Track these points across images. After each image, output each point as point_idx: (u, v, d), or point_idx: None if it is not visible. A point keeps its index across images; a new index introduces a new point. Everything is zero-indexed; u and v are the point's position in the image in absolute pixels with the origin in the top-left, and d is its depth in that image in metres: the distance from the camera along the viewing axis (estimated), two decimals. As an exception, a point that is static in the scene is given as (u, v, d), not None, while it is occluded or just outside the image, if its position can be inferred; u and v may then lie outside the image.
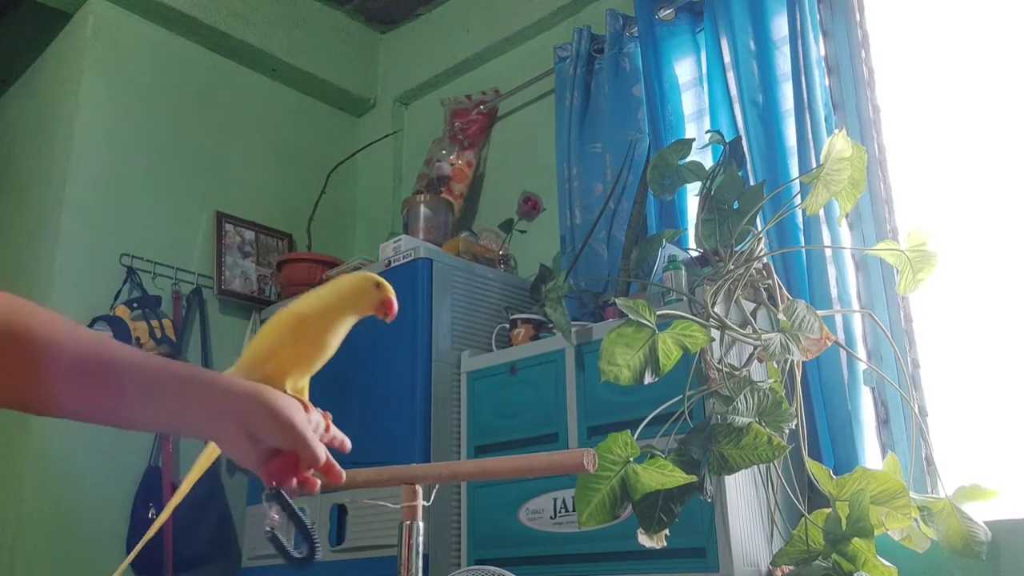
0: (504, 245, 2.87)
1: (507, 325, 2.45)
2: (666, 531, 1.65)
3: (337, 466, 0.81)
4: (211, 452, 0.96)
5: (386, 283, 0.96)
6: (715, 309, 1.84)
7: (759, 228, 2.02)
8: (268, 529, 0.82)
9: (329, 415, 0.87)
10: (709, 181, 2.03)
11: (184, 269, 3.04)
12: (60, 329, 0.68)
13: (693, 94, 2.65)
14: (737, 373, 1.80)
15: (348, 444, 0.86)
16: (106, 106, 2.99)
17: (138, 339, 2.73)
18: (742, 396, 1.67)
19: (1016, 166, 2.10)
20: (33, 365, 0.66)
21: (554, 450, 2.05)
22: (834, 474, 1.77)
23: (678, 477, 1.60)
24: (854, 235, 2.26)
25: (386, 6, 3.65)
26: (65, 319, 0.69)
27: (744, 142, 2.26)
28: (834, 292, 2.12)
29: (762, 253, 1.99)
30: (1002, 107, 2.15)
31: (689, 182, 2.13)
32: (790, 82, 2.28)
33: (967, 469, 1.95)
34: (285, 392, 0.84)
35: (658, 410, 1.80)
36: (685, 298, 1.95)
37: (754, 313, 1.92)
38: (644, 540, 1.66)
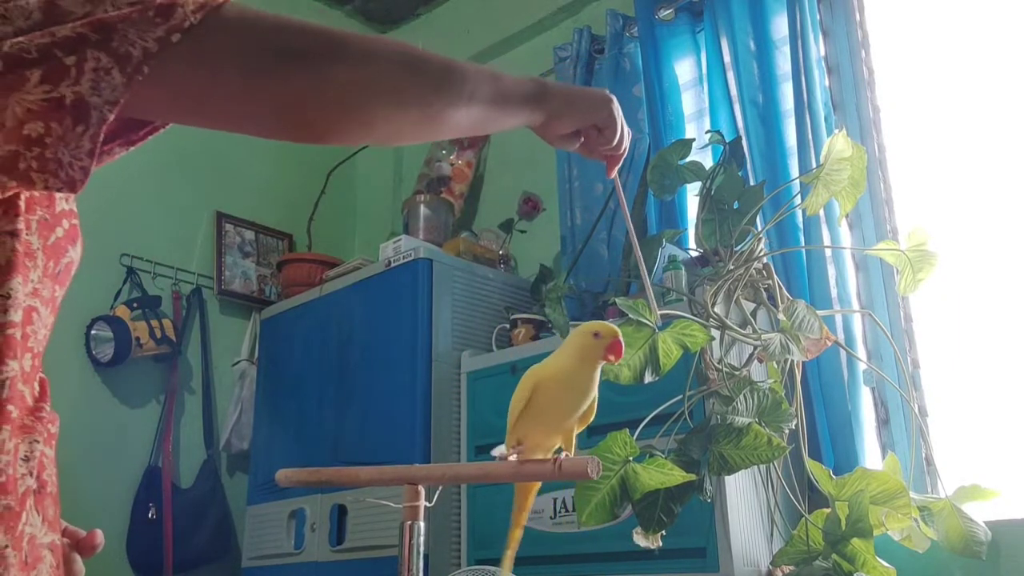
0: (504, 245, 2.87)
1: (507, 325, 2.45)
2: (662, 531, 1.65)
3: None
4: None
5: (607, 328, 1.04)
6: (715, 309, 1.84)
7: (759, 228, 2.02)
8: None
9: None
10: (709, 181, 2.03)
11: (184, 269, 3.04)
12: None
13: (693, 94, 2.65)
14: (737, 373, 1.80)
15: None
16: (106, 106, 2.99)
17: (138, 339, 2.73)
18: (742, 396, 1.67)
19: (1016, 166, 2.10)
20: None
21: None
22: (834, 474, 1.77)
23: (677, 476, 1.60)
24: (854, 235, 2.26)
25: (386, 6, 3.65)
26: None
27: (744, 142, 2.26)
28: (834, 292, 2.12)
29: (762, 253, 1.99)
30: (1002, 107, 2.15)
31: (689, 182, 2.13)
32: (790, 82, 2.28)
33: (967, 469, 1.95)
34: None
35: (658, 410, 1.80)
36: (685, 298, 1.95)
37: (754, 313, 1.92)
38: (639, 540, 1.66)
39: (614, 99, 0.94)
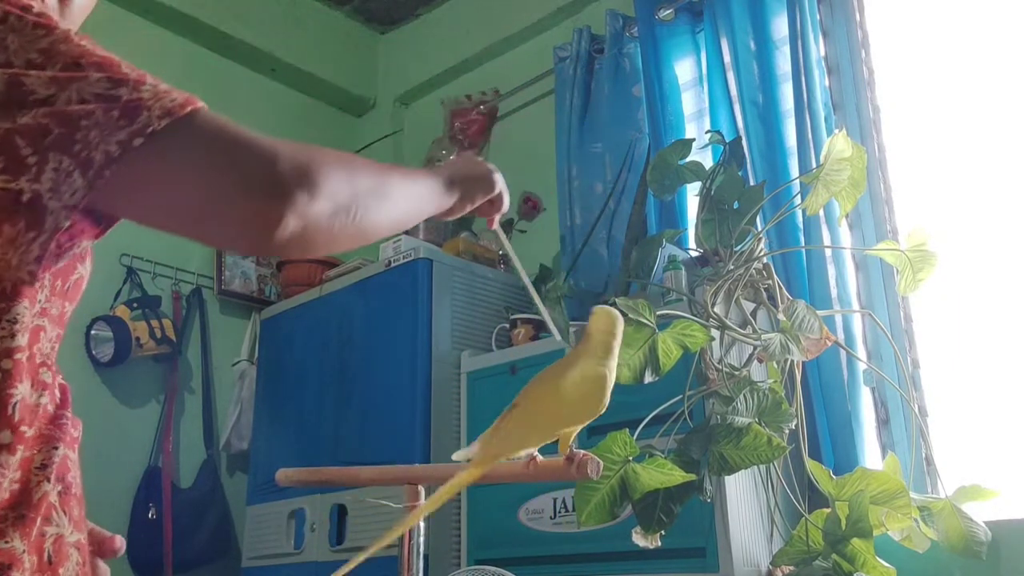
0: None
1: (507, 325, 2.45)
2: (661, 531, 1.65)
3: None
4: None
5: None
6: (715, 309, 1.84)
7: (759, 228, 2.02)
8: None
9: None
10: (709, 181, 2.03)
11: (184, 269, 3.04)
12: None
13: (693, 94, 2.65)
14: (737, 373, 1.80)
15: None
16: (106, 106, 2.99)
17: (138, 339, 2.73)
18: (742, 396, 1.67)
19: (1016, 166, 2.10)
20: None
21: (553, 451, 2.05)
22: (834, 474, 1.77)
23: (677, 476, 1.60)
24: (854, 235, 2.26)
25: (386, 6, 3.65)
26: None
27: (744, 142, 2.26)
28: (834, 292, 2.12)
29: (762, 253, 1.99)
30: (1002, 107, 2.15)
31: (689, 182, 2.13)
32: (790, 82, 2.28)
33: (967, 469, 1.95)
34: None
35: (658, 410, 1.80)
36: (685, 298, 1.95)
37: (754, 313, 1.92)
38: (638, 539, 1.66)
39: (494, 169, 1.03)
